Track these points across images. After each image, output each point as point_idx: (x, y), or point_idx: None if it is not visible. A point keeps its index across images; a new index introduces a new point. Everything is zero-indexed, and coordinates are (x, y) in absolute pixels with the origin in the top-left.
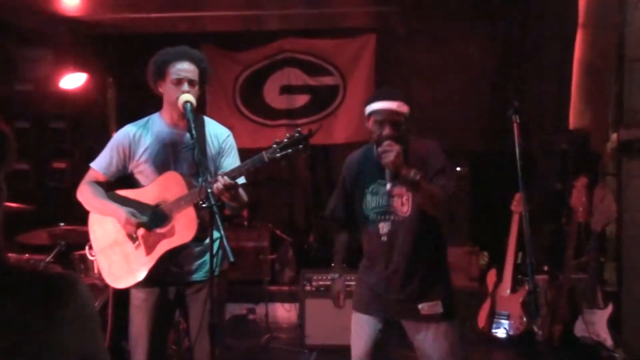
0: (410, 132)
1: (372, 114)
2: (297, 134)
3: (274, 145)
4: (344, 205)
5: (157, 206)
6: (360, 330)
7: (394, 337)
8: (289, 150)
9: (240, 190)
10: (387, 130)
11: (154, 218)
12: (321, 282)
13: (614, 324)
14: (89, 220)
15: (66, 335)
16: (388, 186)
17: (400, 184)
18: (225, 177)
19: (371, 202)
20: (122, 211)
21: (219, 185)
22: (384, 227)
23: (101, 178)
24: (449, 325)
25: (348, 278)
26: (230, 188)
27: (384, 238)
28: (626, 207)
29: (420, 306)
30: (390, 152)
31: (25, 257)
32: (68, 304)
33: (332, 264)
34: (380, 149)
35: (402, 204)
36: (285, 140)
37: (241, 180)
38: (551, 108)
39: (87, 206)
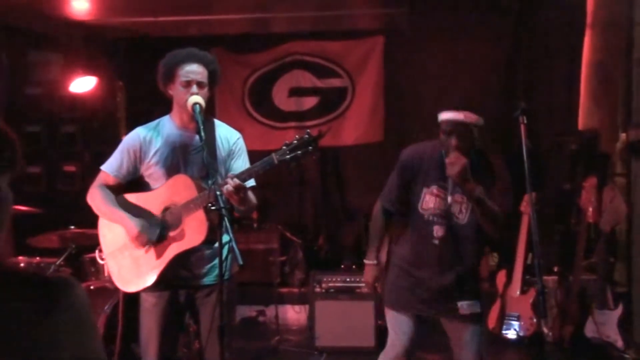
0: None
1: (441, 123)
2: (306, 136)
3: (284, 147)
4: (398, 194)
5: (166, 209)
6: (398, 329)
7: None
8: (299, 152)
9: (250, 194)
10: (453, 141)
11: (161, 230)
12: (331, 284)
13: (624, 325)
14: (99, 224)
15: (60, 339)
16: (449, 199)
17: (461, 192)
18: (235, 179)
19: (429, 202)
20: (134, 225)
21: (228, 187)
22: (438, 231)
23: (112, 181)
24: (483, 324)
25: (353, 280)
26: (239, 190)
27: (436, 241)
28: (636, 208)
29: (459, 304)
30: (455, 164)
31: (35, 259)
32: (63, 308)
33: (368, 248)
34: (447, 160)
35: (461, 211)
36: (295, 142)
37: (250, 182)
38: (560, 108)
39: (97, 211)
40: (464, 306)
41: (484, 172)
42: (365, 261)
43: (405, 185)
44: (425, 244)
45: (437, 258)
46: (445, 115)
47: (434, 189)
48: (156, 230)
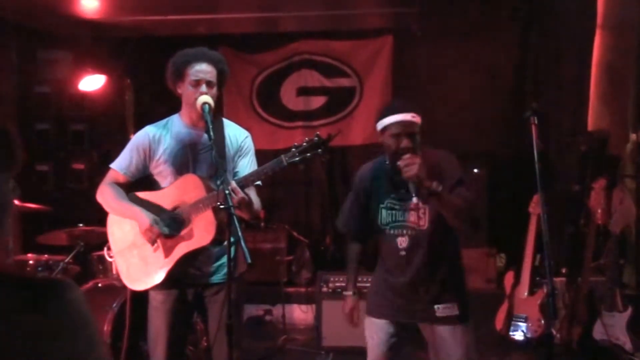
0: (424, 143)
1: (387, 127)
2: (316, 138)
3: (293, 149)
4: (358, 218)
5: (175, 209)
6: (374, 335)
7: (408, 339)
8: (308, 155)
9: (255, 199)
10: (405, 143)
11: (173, 224)
12: (338, 284)
13: (633, 327)
14: (108, 222)
15: (56, 344)
16: (414, 200)
17: (422, 196)
18: (233, 182)
19: (387, 217)
20: (146, 218)
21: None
22: (402, 242)
23: (121, 178)
24: (464, 327)
25: (360, 280)
26: (241, 203)
27: (403, 252)
28: None
29: (436, 307)
30: (412, 165)
31: (44, 257)
32: (54, 312)
33: (345, 279)
34: (401, 163)
35: (419, 218)
36: (304, 144)
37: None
38: (569, 109)
39: (107, 208)
40: (440, 309)
41: (433, 169)
42: (343, 292)
43: (363, 207)
44: (393, 256)
45: (407, 267)
46: (391, 119)
47: (388, 202)
48: (168, 224)
